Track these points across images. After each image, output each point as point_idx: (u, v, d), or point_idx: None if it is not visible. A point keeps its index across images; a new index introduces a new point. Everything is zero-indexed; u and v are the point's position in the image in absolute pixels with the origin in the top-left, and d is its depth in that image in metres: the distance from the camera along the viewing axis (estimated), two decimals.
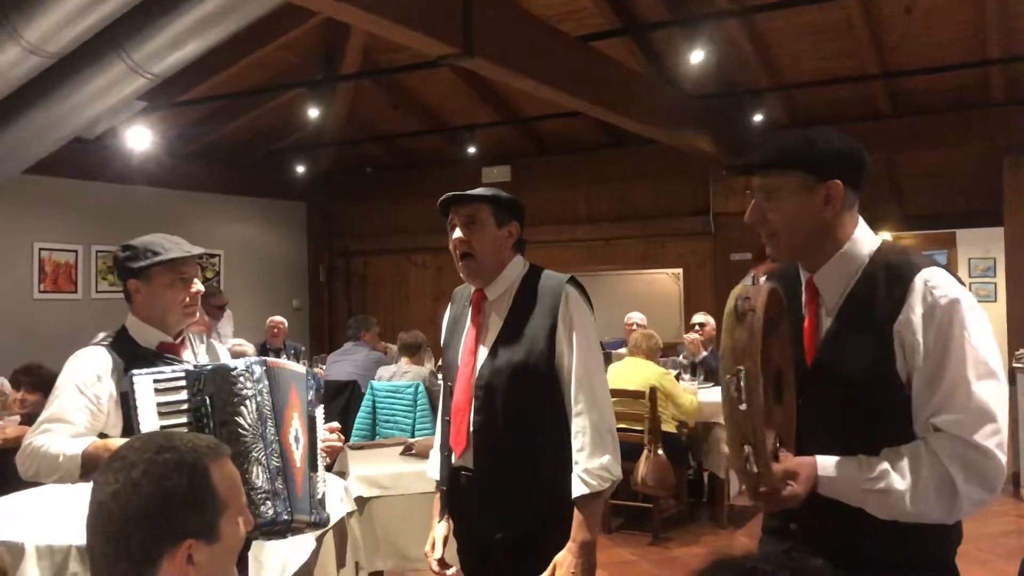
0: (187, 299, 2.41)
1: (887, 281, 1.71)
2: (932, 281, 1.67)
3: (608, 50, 6.63)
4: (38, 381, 4.63)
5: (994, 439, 1.62)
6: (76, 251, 8.60)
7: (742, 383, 1.59)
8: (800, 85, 7.67)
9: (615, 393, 4.73)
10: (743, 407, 1.59)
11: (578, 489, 2.21)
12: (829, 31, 7.02)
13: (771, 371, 1.72)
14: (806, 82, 7.58)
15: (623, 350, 6.26)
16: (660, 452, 5.31)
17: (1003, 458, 1.64)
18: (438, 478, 2.49)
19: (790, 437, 1.76)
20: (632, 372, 5.64)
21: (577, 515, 2.21)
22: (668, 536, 5.62)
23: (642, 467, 5.25)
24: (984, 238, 10.65)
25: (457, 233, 2.37)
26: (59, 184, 8.23)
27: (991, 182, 7.72)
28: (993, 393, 1.64)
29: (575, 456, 2.23)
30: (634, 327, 7.23)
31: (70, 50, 5.07)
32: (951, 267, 12.50)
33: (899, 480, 1.64)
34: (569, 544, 2.19)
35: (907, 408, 1.69)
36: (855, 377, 1.71)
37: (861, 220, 1.81)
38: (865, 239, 1.79)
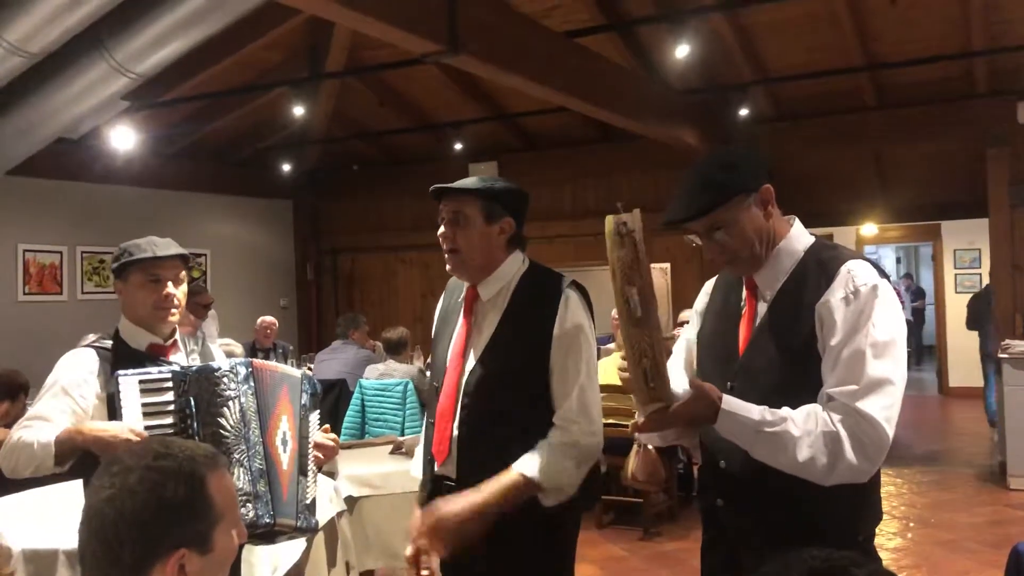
0: (158, 301, 2.38)
1: (816, 271, 1.85)
2: (855, 271, 1.81)
3: (594, 46, 6.63)
4: (3, 389, 4.55)
5: (883, 412, 1.71)
6: (61, 252, 8.54)
7: (636, 298, 1.67)
8: (785, 79, 7.67)
9: (604, 389, 4.71)
10: (640, 321, 1.66)
11: (529, 467, 2.01)
12: (814, 24, 7.04)
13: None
14: (791, 75, 7.58)
15: (612, 345, 6.27)
16: (650, 447, 5.29)
17: (890, 431, 1.71)
18: (421, 477, 2.36)
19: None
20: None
21: (500, 480, 2.00)
22: (659, 531, 5.62)
23: (632, 462, 5.20)
24: (969, 230, 10.71)
25: (441, 229, 2.21)
26: (43, 185, 8.17)
27: (976, 174, 7.75)
28: (889, 372, 1.73)
29: (559, 446, 2.07)
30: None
31: (52, 50, 5.04)
32: (936, 258, 12.55)
33: (793, 429, 1.72)
34: (465, 497, 1.98)
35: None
36: (783, 358, 1.83)
37: (797, 221, 1.95)
38: (800, 236, 1.93)
